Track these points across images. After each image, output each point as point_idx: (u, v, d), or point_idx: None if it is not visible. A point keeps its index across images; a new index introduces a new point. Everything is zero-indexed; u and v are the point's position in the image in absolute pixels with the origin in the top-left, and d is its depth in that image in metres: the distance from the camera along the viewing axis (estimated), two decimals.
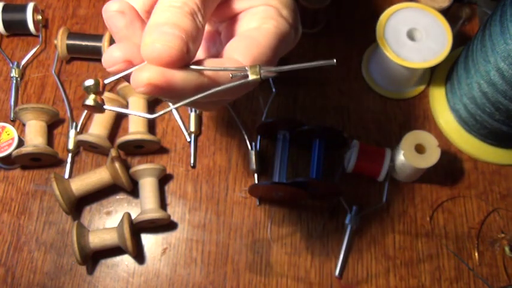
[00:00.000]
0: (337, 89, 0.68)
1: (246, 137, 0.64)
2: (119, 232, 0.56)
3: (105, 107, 0.30)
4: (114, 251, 0.58)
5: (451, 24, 0.62)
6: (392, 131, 0.66)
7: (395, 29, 0.62)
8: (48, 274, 0.58)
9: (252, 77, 0.29)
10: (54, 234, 0.60)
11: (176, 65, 0.29)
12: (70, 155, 0.63)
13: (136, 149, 0.62)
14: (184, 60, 0.29)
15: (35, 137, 0.61)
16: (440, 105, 0.67)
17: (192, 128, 0.64)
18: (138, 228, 0.60)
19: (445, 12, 0.65)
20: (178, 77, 0.29)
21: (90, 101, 0.29)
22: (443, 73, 0.68)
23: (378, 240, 0.61)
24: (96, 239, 0.56)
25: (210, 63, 0.30)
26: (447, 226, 0.62)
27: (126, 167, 0.61)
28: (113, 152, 0.59)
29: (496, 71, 0.55)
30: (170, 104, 0.31)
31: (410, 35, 0.62)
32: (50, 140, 0.64)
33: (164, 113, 0.30)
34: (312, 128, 0.61)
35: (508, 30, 0.51)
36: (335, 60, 0.29)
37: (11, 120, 0.65)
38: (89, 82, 0.29)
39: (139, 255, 0.60)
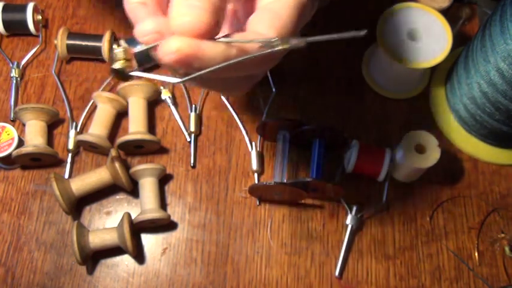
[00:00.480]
0: (337, 89, 0.68)
1: (246, 137, 0.64)
2: (119, 232, 0.56)
3: (133, 73, 0.30)
4: (114, 251, 0.58)
5: (451, 24, 0.62)
6: (392, 131, 0.66)
7: (395, 29, 0.62)
8: (48, 274, 0.58)
9: (281, 46, 0.30)
10: (54, 234, 0.60)
11: (205, 37, 0.29)
12: (70, 155, 0.63)
13: (136, 149, 0.62)
14: (212, 33, 0.30)
15: (35, 137, 0.61)
16: (440, 105, 0.67)
17: (192, 128, 0.64)
18: (138, 228, 0.60)
19: (445, 12, 0.65)
20: (207, 46, 0.29)
21: (117, 64, 0.30)
22: (443, 73, 0.68)
23: (378, 240, 0.61)
24: (96, 239, 0.56)
25: (236, 37, 0.31)
26: (447, 226, 0.62)
27: (126, 167, 0.61)
28: (113, 152, 0.59)
29: (496, 71, 0.55)
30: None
31: (410, 35, 0.62)
32: (50, 140, 0.64)
33: (191, 78, 0.30)
34: (312, 128, 0.61)
35: (508, 30, 0.51)
36: (364, 32, 0.29)
37: (11, 120, 0.65)
38: (118, 49, 0.30)
39: (139, 255, 0.60)
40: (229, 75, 0.32)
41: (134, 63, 0.30)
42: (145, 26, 0.30)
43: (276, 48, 0.30)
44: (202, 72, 0.29)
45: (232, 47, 0.30)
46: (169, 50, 0.28)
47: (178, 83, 0.30)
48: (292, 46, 0.30)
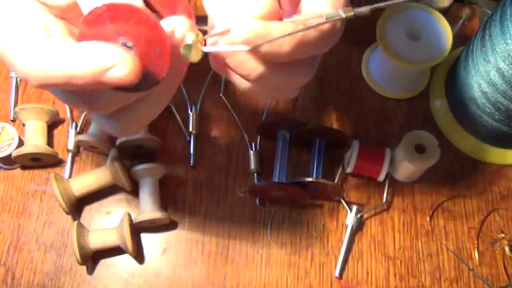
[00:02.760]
0: (337, 89, 0.68)
1: (246, 137, 0.64)
2: (119, 232, 0.56)
3: (203, 48, 0.31)
4: (114, 251, 0.58)
5: (451, 24, 0.62)
6: (392, 131, 0.66)
7: (396, 29, 0.62)
8: (48, 274, 0.58)
9: (346, 14, 0.31)
10: (54, 234, 0.60)
11: (272, 19, 0.32)
12: (70, 155, 0.63)
13: (136, 149, 0.62)
14: (277, 15, 0.32)
15: (35, 137, 0.61)
16: (440, 105, 0.67)
17: (192, 128, 0.64)
18: (138, 228, 0.60)
19: (445, 12, 0.65)
20: (275, 25, 0.32)
21: (189, 39, 0.31)
22: (443, 73, 0.68)
23: (378, 240, 0.61)
24: (96, 239, 0.56)
25: (298, 18, 0.33)
26: (447, 226, 0.62)
27: (126, 167, 0.61)
28: (113, 152, 0.59)
29: (496, 71, 0.55)
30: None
31: (411, 35, 0.62)
32: (50, 140, 0.64)
33: (263, 44, 0.31)
34: (312, 128, 0.61)
35: (508, 30, 0.51)
36: None
37: (11, 120, 0.65)
38: (190, 33, 0.31)
39: (139, 255, 0.60)
40: (294, 54, 0.33)
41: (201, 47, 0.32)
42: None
43: (341, 16, 0.31)
44: (273, 39, 0.31)
45: (298, 25, 0.32)
46: (242, 30, 0.31)
47: (249, 50, 0.31)
48: (357, 14, 0.31)
